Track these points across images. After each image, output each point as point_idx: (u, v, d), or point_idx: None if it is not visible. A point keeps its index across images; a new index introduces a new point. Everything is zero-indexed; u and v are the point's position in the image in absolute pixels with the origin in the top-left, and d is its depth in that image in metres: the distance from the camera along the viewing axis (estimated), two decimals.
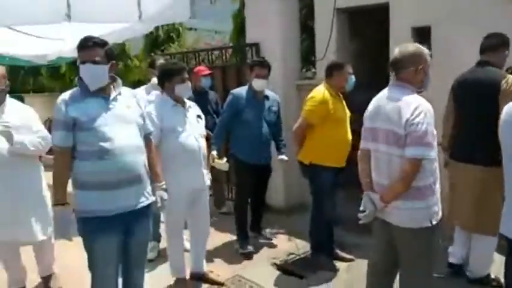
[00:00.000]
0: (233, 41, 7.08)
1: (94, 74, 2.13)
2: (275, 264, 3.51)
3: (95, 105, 2.15)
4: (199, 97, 3.96)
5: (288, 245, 3.88)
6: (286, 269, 3.42)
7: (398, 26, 3.89)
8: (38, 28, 4.54)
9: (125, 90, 2.32)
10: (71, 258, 2.92)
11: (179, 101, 2.97)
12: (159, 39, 9.75)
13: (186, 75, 2.99)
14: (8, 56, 6.22)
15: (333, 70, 3.28)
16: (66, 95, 2.17)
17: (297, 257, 3.63)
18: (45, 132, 2.88)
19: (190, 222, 3.16)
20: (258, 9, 4.81)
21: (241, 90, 3.71)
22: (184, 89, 2.96)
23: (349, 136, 3.32)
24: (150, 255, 3.27)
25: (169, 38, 9.83)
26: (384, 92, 2.25)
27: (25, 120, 2.80)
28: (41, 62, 7.00)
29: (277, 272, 3.38)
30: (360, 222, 2.23)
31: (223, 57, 5.53)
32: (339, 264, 3.39)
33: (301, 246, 3.76)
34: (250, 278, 3.26)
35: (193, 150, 2.93)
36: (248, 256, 3.65)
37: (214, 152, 3.53)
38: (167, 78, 2.95)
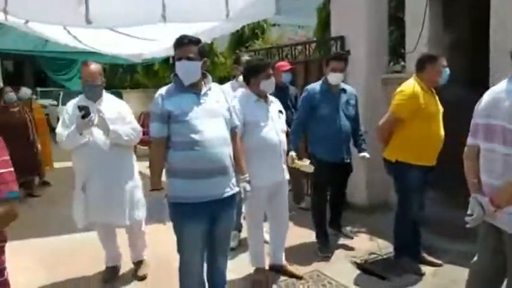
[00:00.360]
0: (317, 35, 7.03)
1: (188, 69, 2.29)
2: (355, 262, 3.44)
3: (188, 100, 2.30)
4: (280, 92, 3.97)
5: (369, 245, 3.77)
6: (366, 268, 3.33)
7: (501, 14, 3.53)
8: (137, 30, 4.90)
9: (214, 86, 2.45)
10: (163, 243, 3.11)
11: (262, 96, 3.03)
12: (244, 36, 10.03)
13: (271, 71, 3.05)
14: (110, 55, 6.87)
15: (425, 63, 3.09)
16: (162, 90, 2.36)
17: (379, 257, 3.51)
18: (136, 124, 3.14)
19: (270, 214, 3.22)
20: (344, 2, 4.71)
21: (315, 85, 3.65)
22: (269, 84, 3.02)
23: (442, 132, 3.11)
24: (232, 244, 3.36)
25: (254, 35, 10.06)
26: (502, 85, 2.02)
27: (119, 114, 3.06)
28: (136, 61, 7.58)
29: (357, 271, 3.30)
30: (467, 226, 2.06)
31: (307, 52, 5.52)
32: (424, 268, 3.22)
33: (383, 246, 3.63)
34: (329, 274, 3.24)
35: (275, 144, 2.99)
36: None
37: (293, 153, 3.38)
38: (253, 74, 3.02)
